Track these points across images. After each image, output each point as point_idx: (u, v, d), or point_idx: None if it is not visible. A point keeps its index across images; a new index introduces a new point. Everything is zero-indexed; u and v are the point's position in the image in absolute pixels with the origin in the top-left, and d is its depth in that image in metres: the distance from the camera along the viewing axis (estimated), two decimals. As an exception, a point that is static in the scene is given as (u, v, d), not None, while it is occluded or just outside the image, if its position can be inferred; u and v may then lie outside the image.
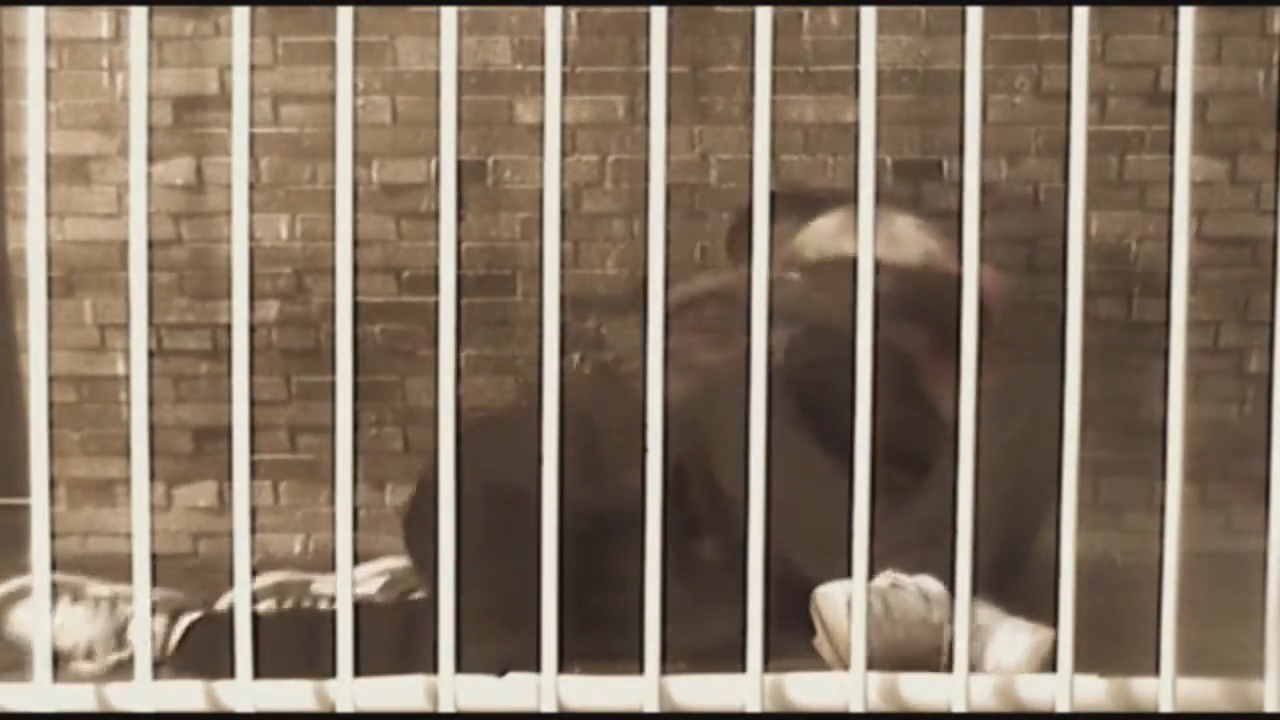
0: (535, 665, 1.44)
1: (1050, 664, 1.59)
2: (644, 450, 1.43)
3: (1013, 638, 1.66)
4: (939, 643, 1.67)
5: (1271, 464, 1.43)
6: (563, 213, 1.45)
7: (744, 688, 1.47)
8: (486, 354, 2.42)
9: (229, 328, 1.48)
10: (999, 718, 1.52)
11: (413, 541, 1.97)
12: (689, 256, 2.43)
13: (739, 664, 1.44)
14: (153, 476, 1.51)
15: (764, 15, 1.40)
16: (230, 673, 1.46)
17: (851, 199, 1.42)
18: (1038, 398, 1.78)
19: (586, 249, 2.47)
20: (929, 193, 2.44)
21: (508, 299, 2.47)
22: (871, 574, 1.69)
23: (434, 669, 1.44)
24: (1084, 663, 1.45)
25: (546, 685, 1.46)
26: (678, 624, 1.45)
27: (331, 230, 1.45)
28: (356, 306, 1.45)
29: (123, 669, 1.70)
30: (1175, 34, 1.39)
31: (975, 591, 1.66)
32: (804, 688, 1.54)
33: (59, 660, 1.70)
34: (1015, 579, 1.76)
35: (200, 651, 1.74)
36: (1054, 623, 1.44)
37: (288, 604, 1.85)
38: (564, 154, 2.02)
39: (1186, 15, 1.38)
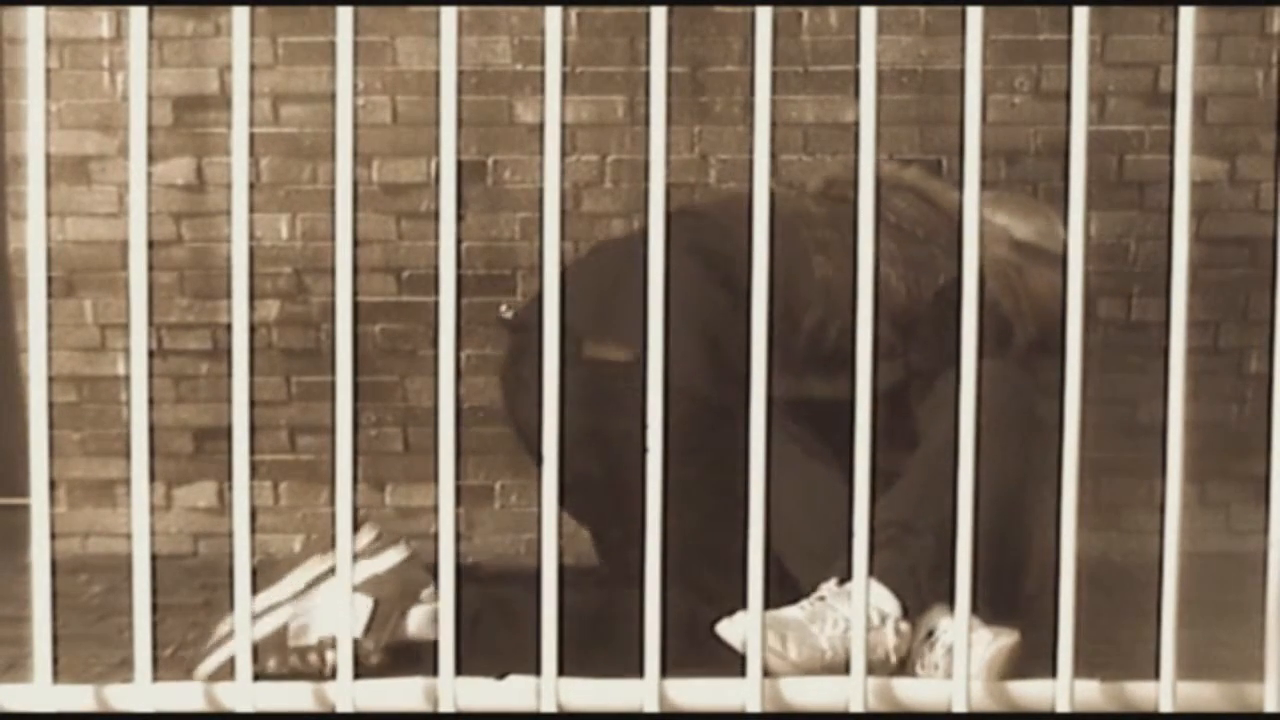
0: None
1: (1013, 669, 1.58)
2: (644, 450, 1.44)
3: (975, 642, 1.60)
4: (877, 650, 1.62)
5: (1271, 464, 1.43)
6: (563, 213, 1.45)
7: (743, 689, 1.47)
8: (486, 354, 2.42)
9: (229, 328, 1.48)
10: (999, 718, 1.52)
11: (512, 399, 1.99)
12: (689, 256, 2.43)
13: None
14: (153, 476, 1.51)
15: (764, 15, 1.40)
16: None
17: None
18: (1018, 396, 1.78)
19: (586, 249, 2.47)
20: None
21: (508, 299, 2.47)
22: (816, 583, 1.69)
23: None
24: (1078, 664, 1.45)
25: (546, 687, 1.46)
26: None
27: (331, 230, 1.45)
28: (356, 306, 1.45)
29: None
30: (1175, 34, 1.39)
31: (940, 596, 1.65)
32: (802, 689, 1.54)
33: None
34: (997, 582, 1.74)
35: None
36: (1052, 623, 1.44)
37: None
38: (564, 154, 2.02)
39: (1186, 15, 1.38)
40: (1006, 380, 1.75)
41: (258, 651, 1.68)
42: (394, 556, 1.82)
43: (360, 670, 1.66)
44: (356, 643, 1.69)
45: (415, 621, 1.75)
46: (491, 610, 1.74)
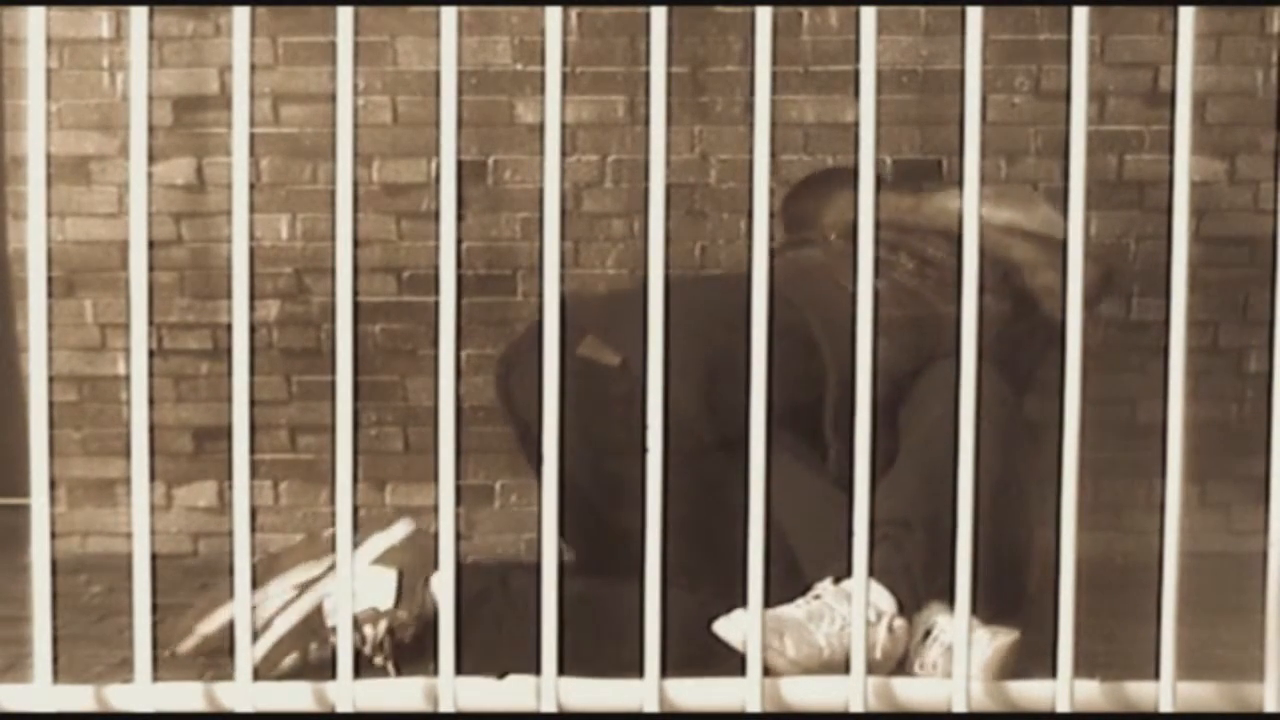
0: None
1: (1012, 668, 1.58)
2: (644, 450, 1.44)
3: (974, 641, 1.60)
4: (873, 648, 1.60)
5: (1271, 464, 1.43)
6: (563, 213, 1.45)
7: (743, 689, 1.47)
8: (486, 354, 2.42)
9: (229, 328, 1.48)
10: (999, 718, 1.52)
11: (507, 393, 2.05)
12: (689, 256, 2.43)
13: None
14: (153, 476, 1.51)
15: (764, 15, 1.40)
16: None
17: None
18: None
19: (586, 249, 2.47)
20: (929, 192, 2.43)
21: (508, 299, 2.47)
22: (812, 582, 1.69)
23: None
24: (1078, 664, 1.45)
25: (546, 686, 1.46)
26: None
27: (331, 230, 1.45)
28: (356, 306, 1.45)
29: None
30: (1175, 34, 1.39)
31: (936, 594, 1.65)
32: (802, 689, 1.54)
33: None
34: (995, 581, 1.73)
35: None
36: (1052, 623, 1.44)
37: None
38: (564, 154, 2.02)
39: (1186, 15, 1.38)
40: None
41: (297, 637, 1.69)
42: (403, 528, 1.84)
43: (399, 642, 1.71)
44: (391, 613, 1.71)
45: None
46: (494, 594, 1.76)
